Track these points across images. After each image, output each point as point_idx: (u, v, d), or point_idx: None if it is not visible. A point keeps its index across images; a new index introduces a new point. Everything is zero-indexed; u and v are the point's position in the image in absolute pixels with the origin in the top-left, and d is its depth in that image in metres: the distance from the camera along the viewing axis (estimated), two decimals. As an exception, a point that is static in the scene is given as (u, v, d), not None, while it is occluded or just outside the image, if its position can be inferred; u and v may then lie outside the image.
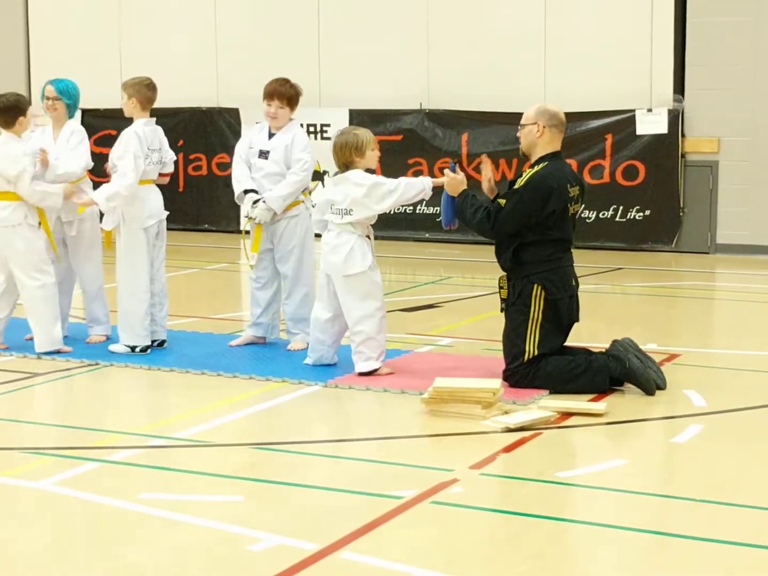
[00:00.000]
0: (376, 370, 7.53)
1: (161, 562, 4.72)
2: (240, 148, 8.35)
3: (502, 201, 7.22)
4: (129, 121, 8.24)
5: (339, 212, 7.51)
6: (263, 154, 8.17)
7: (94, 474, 5.79)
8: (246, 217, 8.33)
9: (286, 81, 8.24)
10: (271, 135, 8.25)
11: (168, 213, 8.37)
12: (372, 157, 7.57)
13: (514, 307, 7.27)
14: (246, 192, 8.18)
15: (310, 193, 8.55)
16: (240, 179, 8.23)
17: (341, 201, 7.49)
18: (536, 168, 7.26)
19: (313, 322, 7.71)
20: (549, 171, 7.23)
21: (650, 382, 7.10)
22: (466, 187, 7.36)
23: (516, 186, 7.27)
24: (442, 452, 6.29)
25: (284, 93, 8.15)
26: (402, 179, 7.56)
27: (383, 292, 7.65)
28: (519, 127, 7.39)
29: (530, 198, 7.15)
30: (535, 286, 7.19)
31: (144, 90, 8.13)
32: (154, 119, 8.23)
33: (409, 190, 7.49)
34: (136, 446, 6.24)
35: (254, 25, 15.22)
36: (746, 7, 13.06)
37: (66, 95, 8.33)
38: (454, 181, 7.35)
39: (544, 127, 7.26)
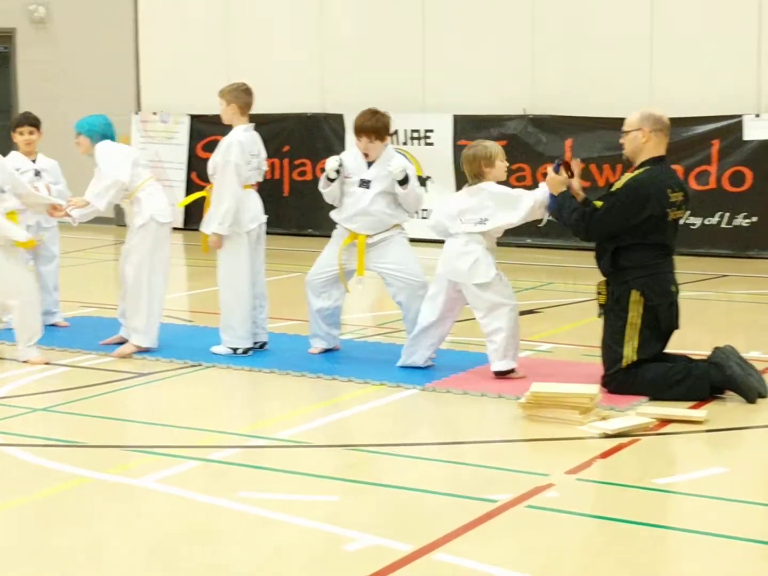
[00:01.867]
0: (512, 371, 7.57)
1: (258, 561, 4.79)
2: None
3: (599, 203, 7.20)
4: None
5: (472, 221, 7.59)
6: (364, 183, 8.16)
7: (194, 472, 5.90)
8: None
9: (373, 113, 8.10)
10: (369, 163, 8.15)
11: (267, 216, 8.47)
12: (501, 168, 7.67)
13: (613, 312, 7.23)
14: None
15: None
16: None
17: (476, 210, 7.59)
18: (637, 172, 7.22)
19: (419, 324, 7.77)
20: (649, 176, 7.18)
21: (752, 390, 7.01)
22: (566, 188, 7.34)
23: (613, 189, 7.24)
24: (539, 457, 6.28)
25: (371, 128, 8.04)
26: (535, 195, 7.55)
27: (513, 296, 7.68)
28: (622, 134, 7.36)
29: (626, 201, 7.12)
30: (634, 291, 7.14)
31: (242, 95, 8.24)
32: (253, 125, 8.33)
33: (541, 207, 7.52)
34: (235, 446, 6.34)
35: (359, 30, 15.33)
36: None
37: (82, 128, 8.38)
38: (554, 180, 7.34)
39: (649, 131, 7.21)
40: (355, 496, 5.56)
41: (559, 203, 7.32)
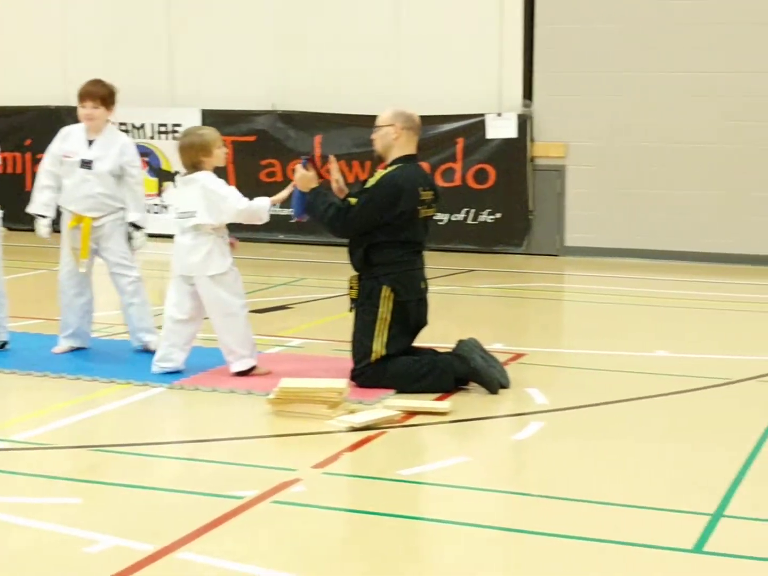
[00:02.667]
0: (253, 368, 7.49)
1: (-6, 566, 4.62)
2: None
3: (353, 200, 7.25)
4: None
5: (184, 215, 7.43)
6: (86, 164, 7.94)
7: (-74, 478, 5.64)
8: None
9: (98, 81, 7.98)
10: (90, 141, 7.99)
11: (5, 211, 8.19)
12: (219, 155, 7.50)
13: (363, 307, 7.30)
14: None
15: (159, 194, 8.46)
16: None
17: (186, 203, 7.41)
18: (388, 169, 7.31)
19: (166, 324, 7.56)
20: (400, 173, 7.27)
21: (494, 381, 7.19)
22: (316, 184, 7.35)
23: (367, 186, 7.31)
24: (286, 452, 6.28)
25: (97, 93, 7.88)
26: (253, 203, 7.44)
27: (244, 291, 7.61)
28: (374, 129, 7.42)
29: (380, 198, 7.19)
30: (385, 287, 7.23)
31: None
32: None
33: (251, 216, 7.43)
34: (-28, 449, 6.10)
35: (104, 21, 14.97)
36: (594, 13, 13.34)
37: None
38: (304, 178, 7.34)
39: (401, 128, 7.31)
40: (97, 498, 5.42)
41: (310, 200, 7.33)
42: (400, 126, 7.32)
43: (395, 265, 7.26)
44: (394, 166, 7.31)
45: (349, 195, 7.38)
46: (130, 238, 8.10)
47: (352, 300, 7.39)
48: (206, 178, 7.41)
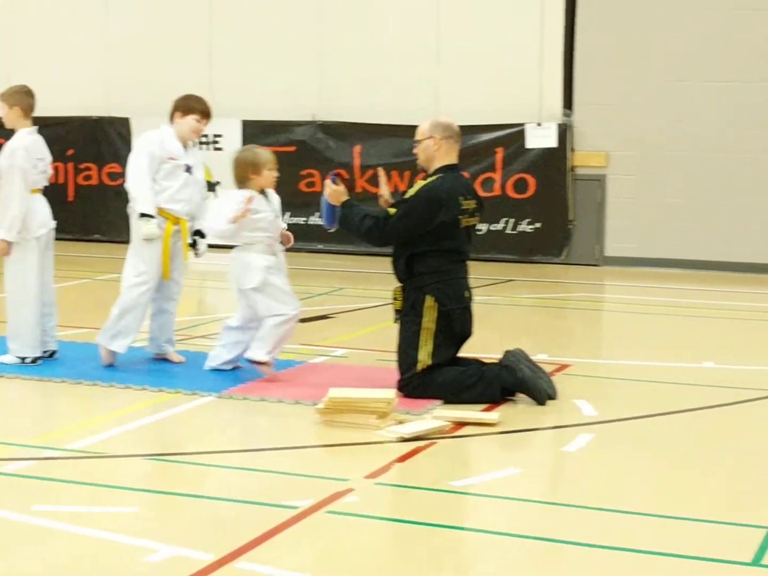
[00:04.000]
0: (264, 363, 7.63)
1: (53, 573, 4.66)
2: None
3: (392, 210, 7.29)
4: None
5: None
6: (188, 169, 8.04)
7: (-16, 486, 5.71)
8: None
9: (197, 96, 8.20)
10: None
11: (56, 222, 8.27)
12: (269, 177, 7.69)
13: (407, 317, 7.34)
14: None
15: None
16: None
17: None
18: (428, 180, 7.35)
19: (224, 328, 7.86)
20: (440, 183, 7.31)
21: (541, 392, 7.21)
22: (347, 197, 7.39)
23: (406, 196, 7.35)
24: (337, 462, 6.32)
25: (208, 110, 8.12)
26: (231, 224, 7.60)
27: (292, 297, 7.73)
28: (415, 144, 7.47)
29: (419, 208, 7.23)
30: (428, 296, 7.26)
31: (24, 98, 8.03)
32: (37, 128, 8.12)
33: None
34: (27, 458, 6.15)
35: (146, 32, 15.11)
36: (634, 23, 13.35)
37: None
38: (335, 192, 7.38)
39: (440, 139, 7.35)
40: (153, 507, 5.48)
41: (345, 213, 7.36)
42: (439, 137, 7.36)
43: (438, 274, 7.29)
44: (434, 177, 7.35)
45: (390, 206, 7.42)
46: (193, 244, 8.16)
47: (397, 311, 7.42)
48: (231, 194, 7.69)
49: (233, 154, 7.89)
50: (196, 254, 8.19)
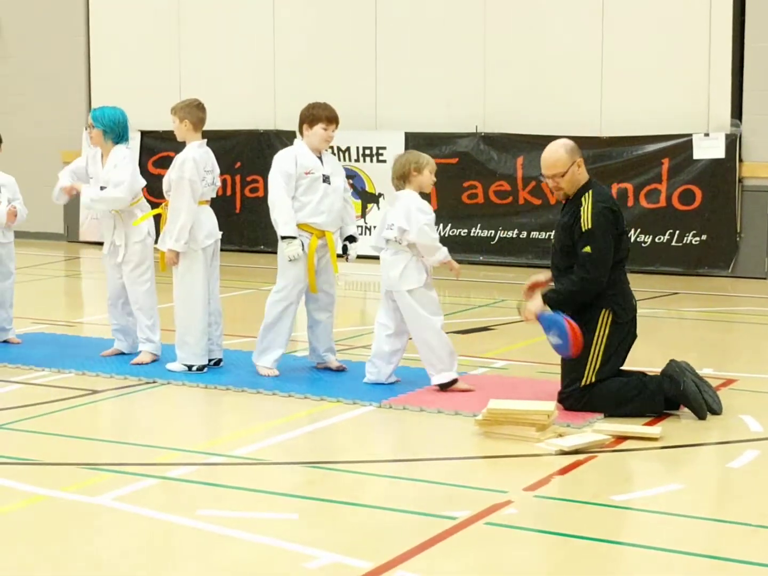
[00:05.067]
0: (454, 381, 7.61)
1: (217, 578, 4.77)
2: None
3: (587, 248, 7.09)
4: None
5: (390, 228, 7.76)
6: (326, 179, 8.15)
7: (152, 490, 5.86)
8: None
9: (324, 103, 8.20)
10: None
11: (222, 233, 8.46)
12: (428, 178, 7.77)
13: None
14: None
15: (363, 216, 8.62)
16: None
17: (391, 216, 7.75)
18: (587, 202, 7.15)
19: (376, 336, 7.84)
20: (600, 197, 7.20)
21: (702, 407, 7.06)
22: (541, 302, 7.18)
23: (583, 229, 7.12)
24: (496, 474, 6.30)
25: (336, 116, 8.14)
26: (442, 248, 7.71)
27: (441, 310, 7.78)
28: (553, 180, 7.24)
29: (604, 230, 7.11)
30: (604, 310, 7.15)
31: (195, 111, 8.24)
32: (206, 140, 8.31)
33: (436, 255, 7.67)
34: (193, 463, 6.30)
35: (312, 47, 15.35)
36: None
37: (100, 122, 8.37)
38: (533, 306, 7.18)
39: (579, 158, 7.27)
40: (314, 514, 5.54)
41: (559, 303, 7.14)
42: (578, 157, 7.27)
43: (613, 286, 7.20)
44: (589, 193, 7.19)
45: (579, 247, 7.13)
46: (345, 250, 8.26)
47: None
48: (409, 195, 7.72)
49: (396, 155, 7.99)
50: (347, 259, 8.28)
